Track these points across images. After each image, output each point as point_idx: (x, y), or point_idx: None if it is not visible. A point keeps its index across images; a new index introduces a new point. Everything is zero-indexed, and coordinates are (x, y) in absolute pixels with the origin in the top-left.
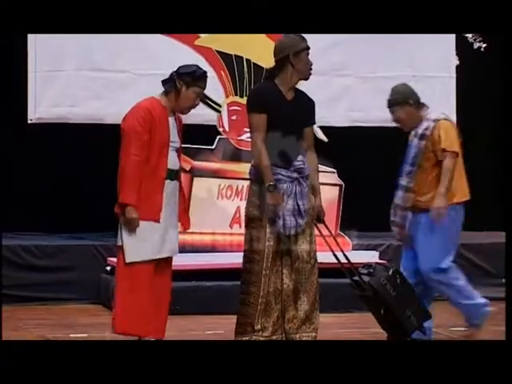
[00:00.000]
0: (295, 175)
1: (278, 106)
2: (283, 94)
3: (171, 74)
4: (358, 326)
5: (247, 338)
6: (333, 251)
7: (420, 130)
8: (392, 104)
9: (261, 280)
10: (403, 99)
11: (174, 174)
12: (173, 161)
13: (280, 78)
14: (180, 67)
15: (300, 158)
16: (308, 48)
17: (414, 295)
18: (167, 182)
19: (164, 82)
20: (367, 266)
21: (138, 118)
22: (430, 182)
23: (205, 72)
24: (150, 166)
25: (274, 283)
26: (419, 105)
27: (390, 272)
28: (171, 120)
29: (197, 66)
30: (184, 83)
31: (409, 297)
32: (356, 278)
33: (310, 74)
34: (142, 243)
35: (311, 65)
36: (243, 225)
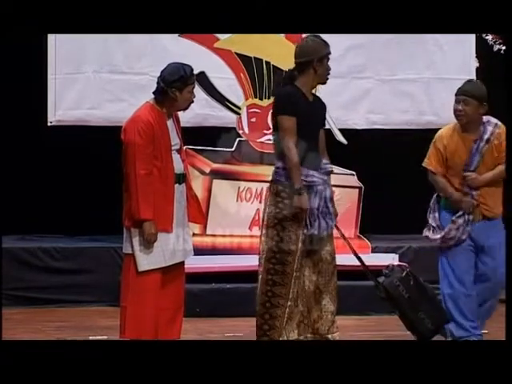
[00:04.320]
0: (325, 177)
1: (304, 108)
2: (306, 96)
3: (159, 85)
4: (374, 329)
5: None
6: (355, 253)
7: (486, 135)
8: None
9: (291, 281)
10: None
11: (180, 178)
12: (177, 164)
13: (300, 80)
14: (165, 75)
15: (325, 160)
16: (330, 53)
17: (429, 297)
18: (175, 186)
19: (156, 93)
20: (390, 268)
21: (140, 131)
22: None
23: (190, 68)
24: (158, 176)
25: (297, 285)
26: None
27: (404, 273)
28: (169, 123)
29: (179, 65)
30: (177, 89)
31: (422, 299)
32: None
33: (328, 78)
34: (154, 252)
35: (329, 70)
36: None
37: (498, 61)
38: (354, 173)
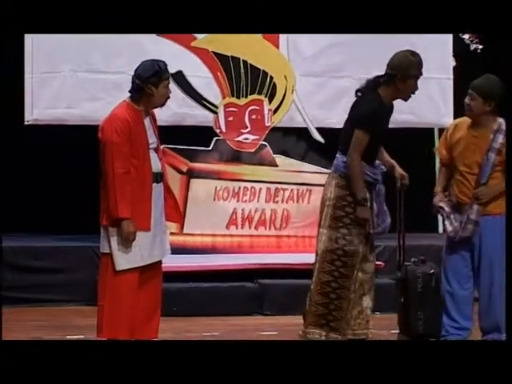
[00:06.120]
0: (380, 177)
1: (383, 120)
2: (385, 105)
3: (135, 82)
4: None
5: (340, 334)
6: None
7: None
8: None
9: (354, 275)
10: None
11: (158, 177)
12: (155, 163)
13: (383, 89)
14: (140, 72)
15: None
16: (418, 75)
17: (437, 307)
18: (153, 185)
19: (132, 92)
20: (422, 259)
21: (117, 129)
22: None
23: (164, 63)
24: (135, 175)
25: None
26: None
27: (431, 271)
28: (146, 122)
29: (153, 61)
30: (152, 85)
31: (431, 303)
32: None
33: (410, 96)
34: (131, 251)
35: (415, 89)
36: (240, 226)
37: (474, 60)
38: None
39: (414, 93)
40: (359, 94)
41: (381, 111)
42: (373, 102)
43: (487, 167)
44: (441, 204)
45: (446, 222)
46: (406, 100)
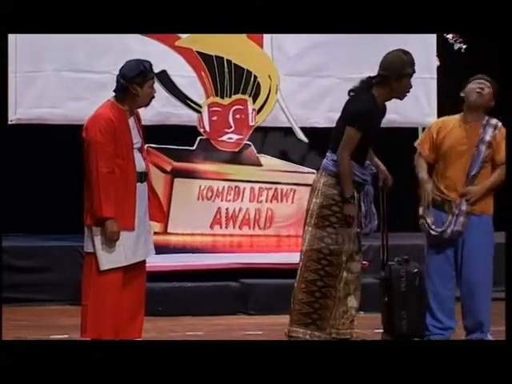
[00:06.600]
0: (370, 178)
1: (376, 121)
2: (379, 106)
3: (120, 82)
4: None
5: (326, 333)
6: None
7: (487, 137)
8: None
9: (339, 274)
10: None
11: (142, 176)
12: (139, 163)
13: (376, 90)
14: (125, 71)
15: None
16: (412, 73)
17: (421, 306)
18: (137, 185)
19: (116, 91)
20: (405, 258)
21: (101, 129)
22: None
23: (149, 63)
24: (120, 174)
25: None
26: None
27: (414, 270)
28: (131, 121)
29: (138, 61)
30: (137, 85)
31: (415, 303)
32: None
33: (405, 95)
34: (115, 251)
35: (409, 87)
36: (224, 226)
37: (458, 59)
38: (314, 171)
39: (408, 91)
40: (352, 93)
41: (374, 111)
42: (367, 101)
43: (477, 160)
44: (426, 218)
45: (431, 231)
46: (401, 99)
